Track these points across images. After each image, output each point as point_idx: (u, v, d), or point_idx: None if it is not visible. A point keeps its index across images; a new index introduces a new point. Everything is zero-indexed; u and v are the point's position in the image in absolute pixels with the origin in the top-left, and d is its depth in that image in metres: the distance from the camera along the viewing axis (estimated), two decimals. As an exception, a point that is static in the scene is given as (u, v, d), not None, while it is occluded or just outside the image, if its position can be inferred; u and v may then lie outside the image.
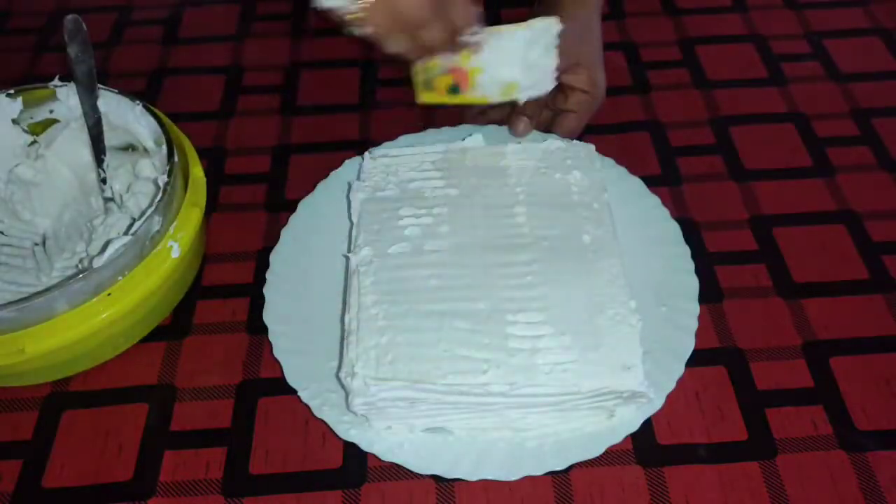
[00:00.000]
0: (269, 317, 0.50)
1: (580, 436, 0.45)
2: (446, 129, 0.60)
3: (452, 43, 0.51)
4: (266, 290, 0.52)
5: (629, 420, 0.45)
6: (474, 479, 0.44)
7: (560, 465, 0.44)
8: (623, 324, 0.45)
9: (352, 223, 0.52)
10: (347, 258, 0.50)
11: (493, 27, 0.52)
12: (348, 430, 0.45)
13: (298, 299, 0.52)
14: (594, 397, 0.43)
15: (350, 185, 0.54)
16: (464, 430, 0.46)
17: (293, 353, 0.49)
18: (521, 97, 0.55)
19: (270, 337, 0.50)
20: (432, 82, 0.55)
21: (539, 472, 0.44)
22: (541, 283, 0.47)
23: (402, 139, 0.60)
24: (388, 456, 0.45)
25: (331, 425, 0.46)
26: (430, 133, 0.60)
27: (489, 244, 0.49)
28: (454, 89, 0.55)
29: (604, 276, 0.47)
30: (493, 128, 0.60)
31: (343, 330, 0.46)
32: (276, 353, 0.49)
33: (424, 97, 0.56)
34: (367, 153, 0.56)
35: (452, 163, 0.54)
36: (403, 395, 0.43)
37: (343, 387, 0.44)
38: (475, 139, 0.57)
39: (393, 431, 0.45)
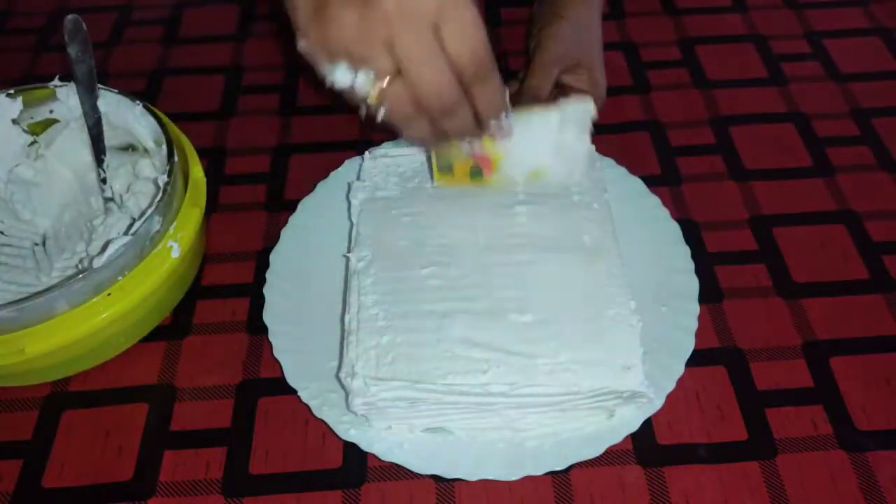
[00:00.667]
0: (269, 317, 0.50)
1: (580, 436, 0.45)
2: (446, 129, 0.60)
3: (479, 130, 0.45)
4: (266, 290, 0.52)
5: (629, 420, 0.45)
6: (474, 479, 0.44)
7: (560, 465, 0.44)
8: (623, 324, 0.45)
9: (352, 223, 0.52)
10: (347, 258, 0.50)
11: (522, 109, 0.48)
12: (348, 430, 0.45)
13: (298, 299, 0.52)
14: (594, 397, 0.43)
15: (350, 185, 0.54)
16: (464, 430, 0.46)
17: (293, 353, 0.49)
18: (550, 182, 0.52)
19: (270, 337, 0.50)
20: (452, 166, 0.51)
21: (539, 472, 0.44)
22: (541, 284, 0.47)
23: (403, 139, 0.59)
24: (388, 456, 0.45)
25: (331, 425, 0.46)
26: (430, 133, 0.60)
27: (489, 244, 0.49)
28: (476, 173, 0.51)
29: (604, 276, 0.47)
30: (493, 127, 0.60)
31: (343, 330, 0.46)
32: (276, 353, 0.49)
33: (442, 180, 0.52)
34: (367, 153, 0.55)
35: (452, 163, 0.54)
36: (403, 395, 0.43)
37: (343, 387, 0.44)
38: (475, 139, 0.57)
39: (393, 431, 0.45)
